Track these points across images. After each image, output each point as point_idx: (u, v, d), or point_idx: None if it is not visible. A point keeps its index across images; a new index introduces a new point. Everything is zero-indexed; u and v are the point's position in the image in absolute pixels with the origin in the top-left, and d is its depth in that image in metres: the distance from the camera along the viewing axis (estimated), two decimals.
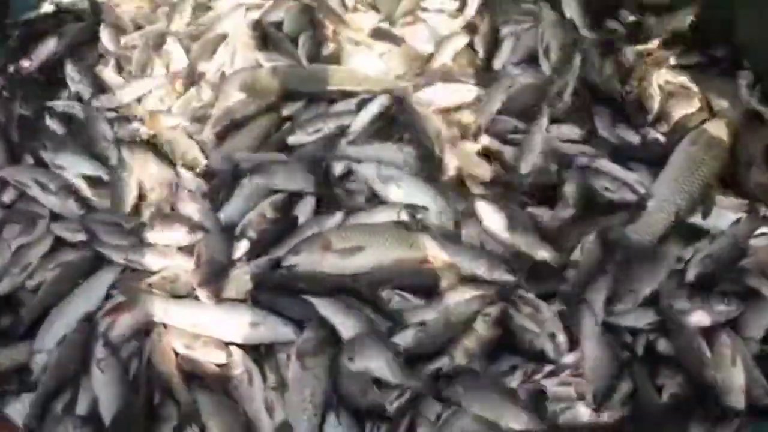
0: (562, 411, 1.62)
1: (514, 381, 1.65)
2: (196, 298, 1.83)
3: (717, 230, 1.82)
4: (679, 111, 2.08)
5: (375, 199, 1.99)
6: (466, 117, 2.16)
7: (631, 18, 2.34)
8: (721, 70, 2.15)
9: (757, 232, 1.79)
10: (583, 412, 1.61)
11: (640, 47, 2.23)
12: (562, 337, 1.71)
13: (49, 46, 2.53)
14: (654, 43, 2.23)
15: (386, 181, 1.96)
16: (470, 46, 2.35)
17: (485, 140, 2.07)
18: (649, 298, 1.74)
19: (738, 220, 1.82)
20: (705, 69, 2.15)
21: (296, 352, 1.69)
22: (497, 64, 2.30)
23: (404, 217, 1.89)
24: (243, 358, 1.74)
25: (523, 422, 1.58)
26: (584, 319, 1.69)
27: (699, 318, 1.68)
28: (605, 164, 1.99)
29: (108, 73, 2.46)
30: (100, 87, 2.41)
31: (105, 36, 2.55)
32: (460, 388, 1.63)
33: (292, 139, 2.15)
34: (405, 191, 1.94)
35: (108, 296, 1.89)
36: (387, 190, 1.95)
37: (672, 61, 2.18)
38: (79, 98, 2.39)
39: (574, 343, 1.70)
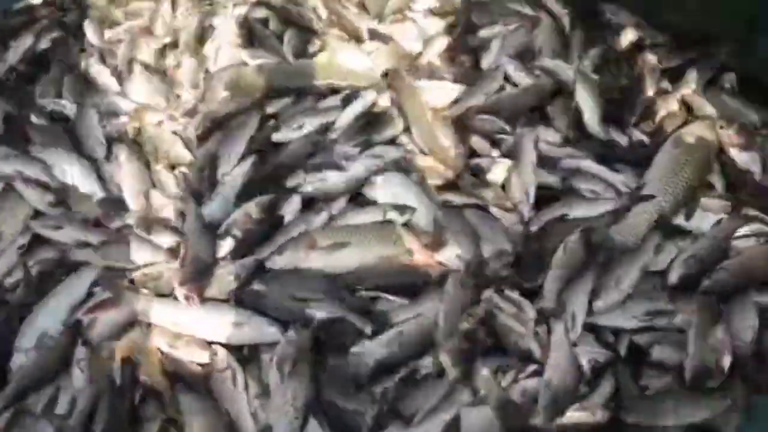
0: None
1: (503, 382, 1.65)
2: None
3: (699, 231, 1.84)
4: (663, 112, 2.09)
5: (360, 199, 1.98)
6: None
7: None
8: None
9: (739, 232, 1.81)
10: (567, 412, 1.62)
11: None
12: (545, 337, 1.71)
13: (28, 40, 2.50)
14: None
15: (372, 181, 1.96)
16: (459, 46, 2.34)
17: (474, 140, 2.08)
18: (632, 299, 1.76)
19: (719, 221, 1.83)
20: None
21: (278, 355, 1.68)
22: (485, 63, 2.29)
23: (390, 216, 1.89)
24: (227, 358, 1.73)
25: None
26: (554, 333, 1.70)
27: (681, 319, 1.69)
28: (590, 165, 1.99)
29: (93, 68, 2.42)
30: (86, 82, 2.38)
31: (89, 30, 2.52)
32: None
33: (276, 136, 2.13)
34: (392, 191, 1.94)
35: (90, 294, 1.87)
36: (372, 190, 1.96)
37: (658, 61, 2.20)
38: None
39: None
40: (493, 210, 1.92)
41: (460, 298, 1.74)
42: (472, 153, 2.07)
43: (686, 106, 2.10)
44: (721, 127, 1.97)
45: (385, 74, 2.25)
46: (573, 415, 1.61)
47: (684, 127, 1.99)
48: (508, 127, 2.09)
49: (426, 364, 1.71)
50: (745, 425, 1.58)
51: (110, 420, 1.65)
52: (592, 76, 2.16)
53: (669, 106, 2.09)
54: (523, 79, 2.18)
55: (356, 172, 1.99)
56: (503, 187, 1.99)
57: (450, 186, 1.99)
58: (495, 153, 2.06)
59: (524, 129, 2.07)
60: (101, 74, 2.41)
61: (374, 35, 2.41)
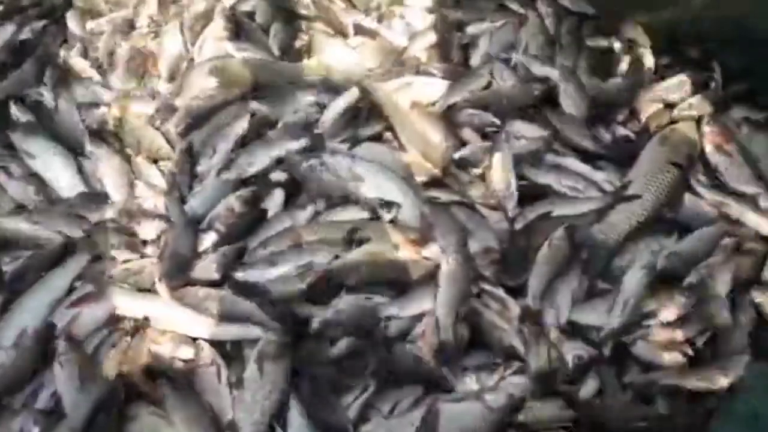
0: (529, 407, 1.63)
1: (490, 381, 1.65)
2: None
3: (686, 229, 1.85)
4: (649, 111, 2.10)
5: (346, 195, 1.96)
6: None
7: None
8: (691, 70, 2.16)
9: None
10: (552, 408, 1.63)
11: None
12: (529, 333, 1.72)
13: (10, 28, 2.46)
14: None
15: (358, 176, 1.94)
16: (447, 42, 2.33)
17: (467, 133, 2.07)
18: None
19: (707, 221, 1.85)
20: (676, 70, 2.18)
21: (257, 353, 1.68)
22: (474, 60, 2.29)
23: (377, 212, 1.89)
24: (212, 353, 1.71)
25: None
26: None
27: (665, 314, 1.71)
28: (574, 163, 2.00)
29: (74, 59, 2.39)
30: (67, 73, 2.34)
31: (71, 21, 2.48)
32: None
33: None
34: (376, 186, 1.93)
35: (71, 290, 1.84)
36: (358, 185, 1.94)
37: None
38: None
39: None
40: (479, 207, 1.92)
41: (457, 289, 1.75)
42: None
43: (672, 105, 2.10)
44: (706, 124, 1.99)
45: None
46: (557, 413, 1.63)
47: (669, 125, 2.01)
48: (497, 121, 2.08)
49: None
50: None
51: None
52: (576, 76, 2.17)
53: (655, 104, 2.10)
54: (509, 79, 2.17)
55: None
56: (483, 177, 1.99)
57: (436, 183, 1.99)
58: (484, 147, 2.05)
59: (506, 124, 2.07)
60: (82, 66, 2.37)
61: (360, 30, 2.41)
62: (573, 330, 1.74)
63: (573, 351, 1.70)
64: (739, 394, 1.60)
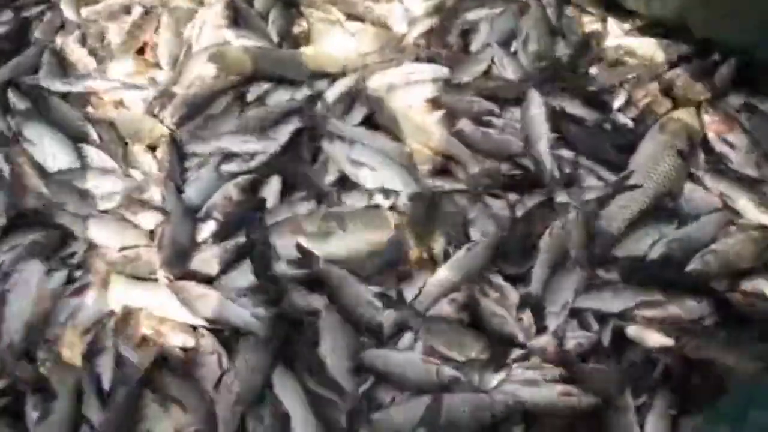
0: (531, 394, 1.64)
1: (494, 380, 1.66)
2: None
3: (686, 217, 1.85)
4: (648, 97, 2.08)
5: (346, 182, 1.97)
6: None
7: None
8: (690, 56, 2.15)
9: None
10: (551, 395, 1.64)
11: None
12: (528, 321, 1.73)
13: (6, 15, 2.44)
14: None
15: (358, 164, 1.94)
16: (446, 28, 2.32)
17: (463, 124, 2.05)
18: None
19: (710, 211, 1.85)
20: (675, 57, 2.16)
21: (241, 348, 1.70)
22: (474, 47, 2.27)
23: (377, 200, 1.89)
24: (212, 341, 1.72)
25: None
26: None
27: (670, 308, 1.71)
28: (574, 152, 1.98)
29: (70, 46, 2.37)
30: (64, 61, 2.33)
31: (66, 7, 2.45)
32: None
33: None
34: (377, 175, 1.93)
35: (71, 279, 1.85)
36: (358, 173, 1.94)
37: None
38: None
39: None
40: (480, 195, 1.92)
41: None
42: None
43: (671, 92, 2.09)
44: (705, 112, 1.98)
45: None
46: (557, 400, 1.63)
47: (669, 113, 2.00)
48: (496, 108, 2.07)
49: (405, 342, 1.73)
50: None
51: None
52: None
53: (654, 91, 2.09)
54: (509, 66, 2.16)
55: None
56: None
57: (438, 171, 1.99)
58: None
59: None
60: (79, 53, 2.35)
61: (355, 17, 2.39)
62: (574, 317, 1.74)
63: (574, 338, 1.70)
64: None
